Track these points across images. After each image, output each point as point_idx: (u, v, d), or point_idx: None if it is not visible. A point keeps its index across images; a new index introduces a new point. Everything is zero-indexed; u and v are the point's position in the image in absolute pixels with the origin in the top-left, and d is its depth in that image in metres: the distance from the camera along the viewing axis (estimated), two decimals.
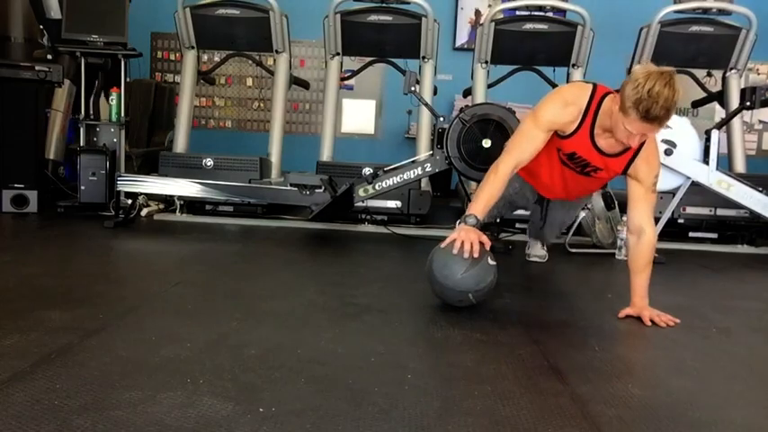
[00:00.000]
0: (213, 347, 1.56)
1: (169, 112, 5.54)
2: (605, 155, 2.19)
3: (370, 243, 3.49)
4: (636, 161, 2.17)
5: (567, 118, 2.16)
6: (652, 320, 1.98)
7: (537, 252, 3.06)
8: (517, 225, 3.73)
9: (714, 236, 3.86)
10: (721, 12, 4.20)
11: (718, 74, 4.49)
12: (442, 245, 2.04)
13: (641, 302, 2.06)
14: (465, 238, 2.00)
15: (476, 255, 1.98)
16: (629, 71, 4.35)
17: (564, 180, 2.46)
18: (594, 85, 2.15)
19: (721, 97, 4.42)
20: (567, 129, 2.19)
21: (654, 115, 1.83)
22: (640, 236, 2.11)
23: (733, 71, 4.33)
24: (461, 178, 3.84)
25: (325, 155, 4.26)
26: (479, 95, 4.29)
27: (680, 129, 3.24)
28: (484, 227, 2.17)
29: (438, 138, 3.59)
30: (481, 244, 2.01)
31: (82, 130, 4.10)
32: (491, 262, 2.03)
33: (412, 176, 3.56)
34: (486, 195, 2.12)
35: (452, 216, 3.97)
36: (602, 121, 2.10)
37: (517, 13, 4.39)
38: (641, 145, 2.11)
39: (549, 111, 2.18)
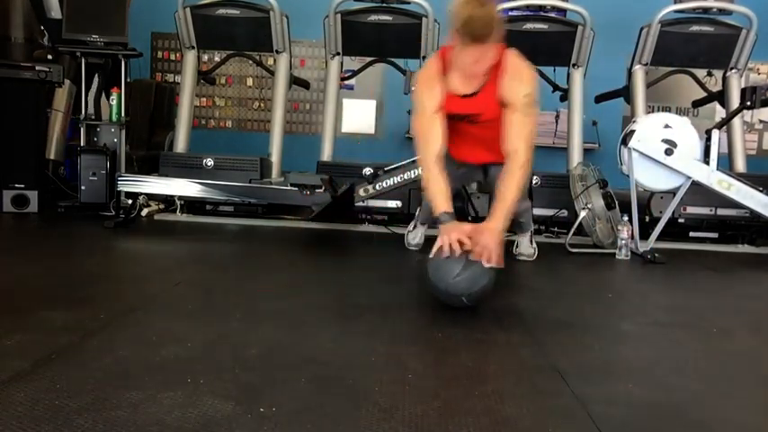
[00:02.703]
0: (213, 347, 1.56)
1: (169, 112, 5.54)
2: (470, 95, 2.32)
3: (370, 243, 3.50)
4: (503, 83, 2.27)
5: (438, 91, 2.31)
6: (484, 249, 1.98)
7: (525, 251, 3.06)
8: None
9: (714, 235, 3.86)
10: (722, 11, 4.20)
11: (718, 73, 4.49)
12: (431, 255, 2.04)
13: (494, 225, 2.07)
14: (447, 240, 2.00)
15: (468, 247, 1.98)
16: (629, 71, 4.40)
17: (472, 137, 2.53)
18: (438, 52, 2.38)
19: (721, 97, 4.42)
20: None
21: (477, 34, 2.03)
22: (512, 157, 2.20)
23: (733, 71, 4.33)
24: None
25: (326, 155, 4.26)
26: None
27: (680, 128, 3.24)
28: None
29: None
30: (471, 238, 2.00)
31: (82, 130, 4.10)
32: (486, 265, 2.02)
33: (412, 176, 3.56)
34: (438, 191, 2.20)
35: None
36: (454, 68, 2.26)
37: (517, 12, 4.39)
38: (500, 72, 2.26)
39: (423, 98, 2.33)
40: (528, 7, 4.32)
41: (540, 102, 6.17)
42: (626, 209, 3.33)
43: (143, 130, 5.26)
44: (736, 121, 4.25)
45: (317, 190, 3.56)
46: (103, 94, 4.48)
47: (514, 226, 3.14)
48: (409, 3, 4.19)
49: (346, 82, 5.73)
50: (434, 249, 2.03)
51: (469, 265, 1.97)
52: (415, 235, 3.20)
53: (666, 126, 3.25)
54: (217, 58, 5.74)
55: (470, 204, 3.71)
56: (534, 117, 2.27)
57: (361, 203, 3.70)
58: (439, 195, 2.18)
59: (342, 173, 3.85)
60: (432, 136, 2.29)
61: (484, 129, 2.44)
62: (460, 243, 1.98)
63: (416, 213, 3.29)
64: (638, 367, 1.63)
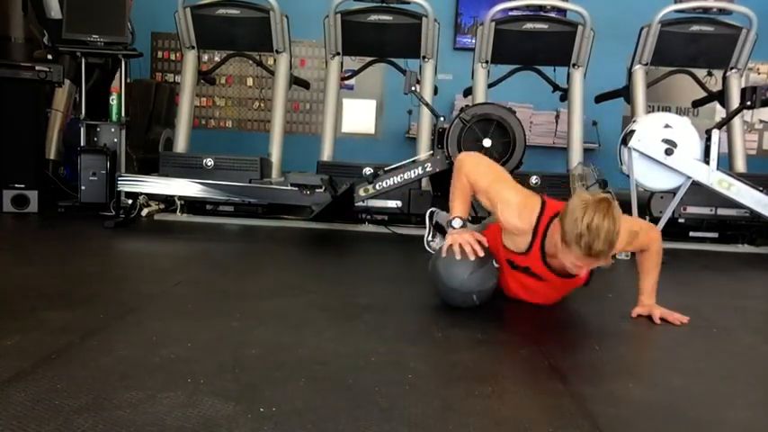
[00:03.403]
0: (213, 347, 1.56)
1: (169, 112, 5.54)
2: (562, 276, 2.02)
3: (370, 243, 3.50)
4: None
5: (516, 225, 1.99)
6: (663, 318, 1.99)
7: None
8: None
9: (714, 235, 3.86)
10: (722, 11, 4.19)
11: (718, 73, 4.48)
12: (443, 254, 2.03)
13: (648, 301, 2.07)
14: (461, 240, 2.01)
15: (480, 253, 1.99)
16: (629, 71, 4.40)
17: (526, 285, 2.15)
18: (542, 207, 1.98)
19: (722, 97, 4.42)
20: (516, 242, 2.02)
21: (597, 250, 1.72)
22: (644, 251, 2.14)
23: (733, 71, 4.32)
24: None
25: (326, 155, 4.26)
26: (480, 95, 4.29)
27: (680, 128, 3.24)
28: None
29: (438, 137, 3.59)
30: (480, 244, 2.01)
31: (82, 129, 4.10)
32: (496, 265, 2.05)
33: (412, 176, 3.56)
34: (461, 197, 2.12)
35: None
36: (549, 248, 1.95)
37: (517, 12, 4.40)
38: None
39: (507, 206, 1.99)
40: (528, 7, 4.32)
41: (539, 102, 6.16)
42: (626, 209, 3.33)
43: (143, 131, 5.26)
44: (737, 121, 4.24)
45: (317, 190, 3.56)
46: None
47: None
48: (409, 3, 4.19)
49: (346, 82, 5.74)
50: (445, 248, 2.03)
51: (481, 263, 1.99)
52: (438, 243, 3.10)
53: (666, 126, 3.25)
54: (217, 58, 5.74)
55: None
56: (640, 232, 2.08)
57: (361, 203, 3.70)
58: (460, 201, 2.10)
59: (342, 173, 3.84)
60: (481, 183, 2.09)
61: (543, 285, 2.12)
62: (473, 247, 1.99)
63: (429, 217, 3.17)
64: (638, 367, 1.63)
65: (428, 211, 3.13)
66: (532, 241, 1.98)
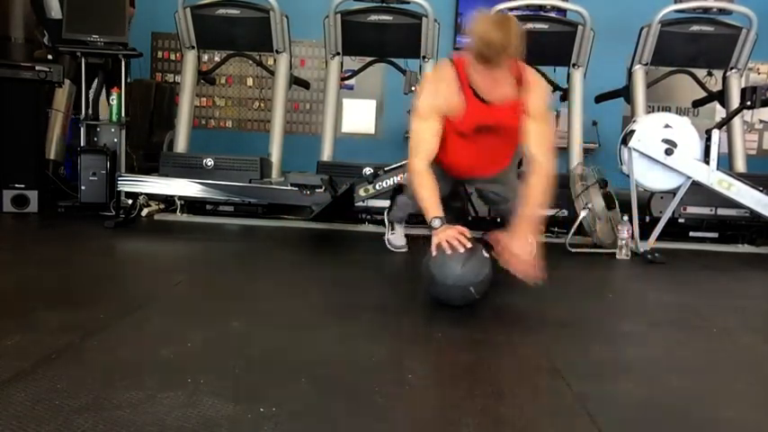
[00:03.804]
0: (214, 347, 1.56)
1: (169, 112, 5.54)
2: (502, 105, 2.23)
3: (370, 243, 3.49)
4: (525, 97, 2.23)
5: (445, 96, 2.23)
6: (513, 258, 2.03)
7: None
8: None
9: (714, 235, 3.86)
10: (722, 11, 4.20)
11: (718, 73, 4.48)
12: (432, 255, 2.05)
13: (518, 233, 2.08)
14: (446, 237, 2.03)
15: (468, 244, 2.00)
16: (629, 71, 4.40)
17: (480, 151, 2.48)
18: (450, 60, 2.26)
19: (722, 97, 4.42)
20: (454, 108, 2.25)
21: (490, 58, 1.92)
22: (534, 166, 2.20)
23: (733, 71, 4.32)
24: None
25: (326, 155, 4.26)
26: None
27: (680, 128, 3.24)
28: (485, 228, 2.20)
29: None
30: (468, 238, 2.04)
31: (82, 130, 4.10)
32: (485, 254, 2.05)
33: None
34: (428, 196, 2.19)
35: (452, 216, 3.97)
36: (474, 83, 2.16)
37: (517, 12, 4.39)
38: (522, 86, 2.21)
39: (425, 100, 2.27)
40: (528, 7, 4.32)
41: None
42: (626, 209, 3.33)
43: (143, 131, 5.26)
44: (737, 121, 4.24)
45: (317, 190, 3.56)
46: (103, 95, 4.48)
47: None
48: (409, 3, 4.19)
49: (346, 82, 5.74)
50: (434, 249, 2.04)
51: (469, 256, 1.99)
52: (397, 236, 3.16)
53: (666, 126, 3.25)
54: (217, 58, 5.74)
55: (470, 204, 3.71)
56: (551, 123, 2.30)
57: (361, 203, 3.70)
58: (430, 200, 2.18)
59: (342, 173, 3.84)
60: (428, 139, 2.29)
61: (497, 139, 2.41)
62: (460, 240, 2.01)
63: (387, 214, 3.19)
64: (638, 367, 1.63)
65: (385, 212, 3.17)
66: (462, 89, 2.19)
